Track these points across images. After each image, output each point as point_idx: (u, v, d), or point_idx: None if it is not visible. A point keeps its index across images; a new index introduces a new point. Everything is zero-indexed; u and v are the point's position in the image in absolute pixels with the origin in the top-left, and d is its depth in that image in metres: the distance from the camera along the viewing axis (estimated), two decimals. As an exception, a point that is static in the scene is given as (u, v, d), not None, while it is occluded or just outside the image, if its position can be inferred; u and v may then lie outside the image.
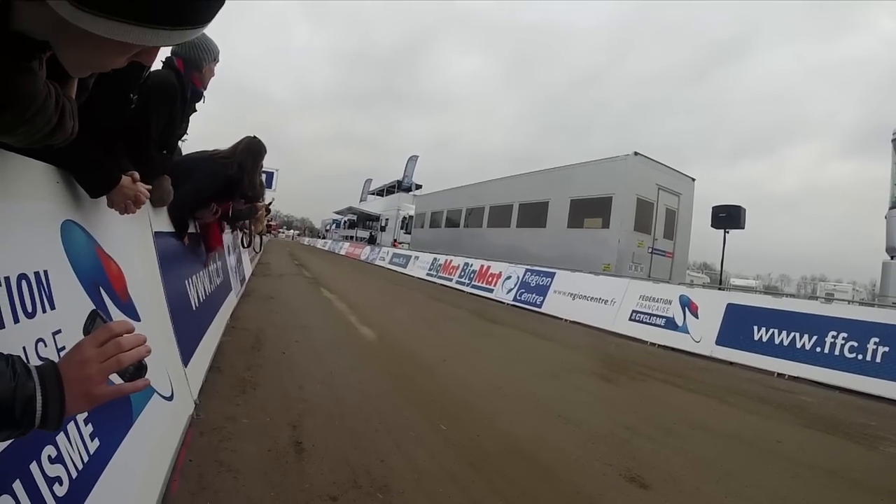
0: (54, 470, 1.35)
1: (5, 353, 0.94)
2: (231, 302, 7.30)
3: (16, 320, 1.33)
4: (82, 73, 1.23)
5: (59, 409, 0.96)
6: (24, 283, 1.41)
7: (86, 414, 1.63)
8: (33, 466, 1.26)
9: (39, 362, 1.41)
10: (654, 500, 3.08)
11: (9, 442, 1.19)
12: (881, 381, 6.56)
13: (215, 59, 3.34)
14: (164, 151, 2.69)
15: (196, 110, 3.34)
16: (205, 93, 3.36)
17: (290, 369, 4.92)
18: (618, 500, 3.03)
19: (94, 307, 1.63)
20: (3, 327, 1.27)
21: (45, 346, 1.47)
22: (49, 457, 1.34)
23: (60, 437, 1.43)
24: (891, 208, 10.04)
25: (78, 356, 1.04)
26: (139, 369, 1.14)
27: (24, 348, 1.35)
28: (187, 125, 3.25)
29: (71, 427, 1.51)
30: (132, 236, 2.70)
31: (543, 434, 4.00)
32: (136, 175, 2.19)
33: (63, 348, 1.57)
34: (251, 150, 4.57)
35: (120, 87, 2.06)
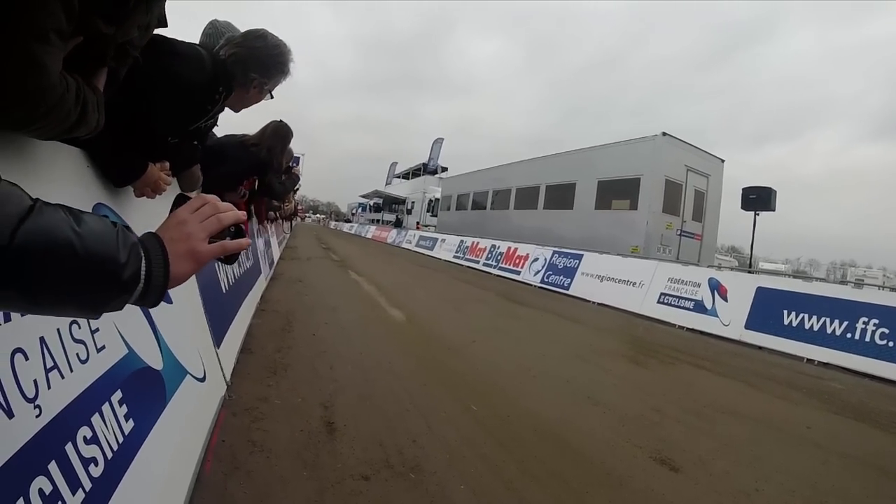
0: (90, 451, 1.35)
1: (41, 331, 0.92)
2: (261, 285, 7.37)
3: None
4: None
5: (164, 264, 0.93)
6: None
7: (120, 395, 1.64)
8: (69, 447, 1.26)
9: (75, 343, 1.43)
10: (684, 483, 3.05)
11: (46, 421, 1.19)
12: (912, 370, 6.43)
13: None
14: (195, 142, 2.68)
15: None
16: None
17: (321, 351, 4.95)
18: (648, 482, 3.00)
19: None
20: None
21: (80, 327, 1.48)
22: (84, 437, 1.34)
23: (95, 419, 1.44)
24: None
25: (174, 220, 1.03)
26: (239, 231, 1.14)
27: (58, 330, 1.35)
28: (216, 119, 3.26)
29: (105, 408, 1.52)
30: (163, 219, 2.70)
31: (572, 415, 3.99)
32: (166, 165, 2.19)
33: (97, 330, 1.59)
34: (279, 133, 4.61)
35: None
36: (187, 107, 2.19)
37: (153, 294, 0.92)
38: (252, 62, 2.38)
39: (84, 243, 0.78)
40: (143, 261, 0.89)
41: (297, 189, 12.48)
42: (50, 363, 1.27)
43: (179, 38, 2.09)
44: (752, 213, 12.95)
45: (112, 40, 1.24)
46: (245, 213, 1.07)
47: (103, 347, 1.60)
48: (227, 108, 2.61)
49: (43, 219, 0.75)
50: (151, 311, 2.12)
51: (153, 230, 0.99)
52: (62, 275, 0.77)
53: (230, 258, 1.16)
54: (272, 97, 2.68)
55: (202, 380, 2.75)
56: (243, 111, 2.74)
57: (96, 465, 1.36)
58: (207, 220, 1.04)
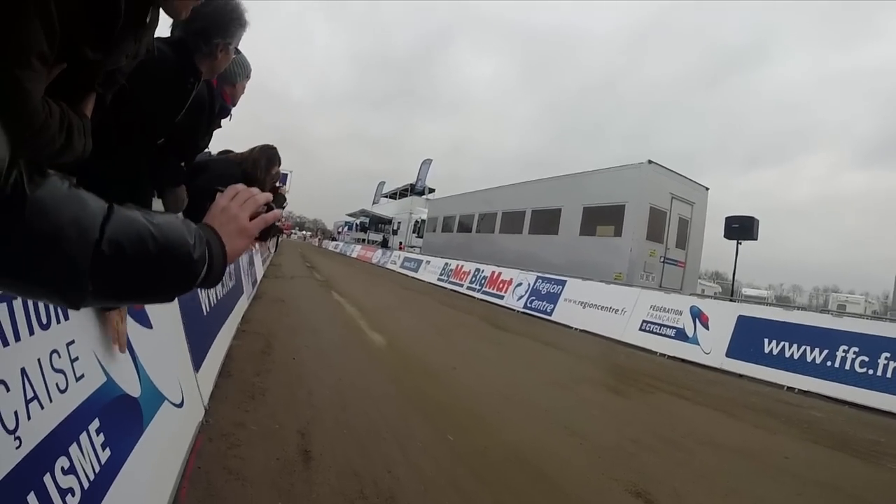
0: (67, 481, 1.37)
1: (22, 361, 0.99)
2: (242, 305, 7.34)
3: (31, 332, 1.37)
4: (187, 10, 1.38)
5: (220, 247, 1.08)
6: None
7: (98, 423, 1.66)
8: (47, 478, 1.28)
9: (55, 373, 1.45)
10: (659, 516, 3.08)
11: (26, 452, 1.22)
12: (892, 397, 6.54)
13: (248, 77, 3.35)
14: (183, 163, 2.70)
15: (221, 126, 3.34)
16: (233, 110, 3.37)
17: (300, 375, 4.95)
18: (623, 515, 3.04)
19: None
20: (19, 339, 1.30)
21: (59, 356, 1.50)
22: (62, 468, 1.36)
23: (73, 448, 1.46)
24: (906, 221, 9.93)
25: (217, 208, 1.18)
26: (269, 208, 1.28)
27: (38, 360, 1.38)
28: (210, 139, 3.27)
29: (83, 437, 1.54)
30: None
31: (549, 445, 4.01)
32: (124, 311, 2.08)
33: (77, 359, 1.60)
34: (266, 153, 4.62)
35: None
36: (165, 106, 2.20)
37: (216, 271, 1.07)
38: (211, 28, 2.36)
39: (161, 231, 0.90)
40: (207, 243, 1.03)
41: (284, 206, 12.48)
42: (30, 394, 1.30)
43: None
44: (735, 241, 13.11)
45: (99, 67, 1.27)
46: (270, 194, 1.26)
47: (82, 376, 1.62)
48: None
49: (123, 214, 0.86)
50: (130, 336, 2.14)
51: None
52: (149, 261, 0.88)
53: (268, 231, 1.29)
54: (238, 52, 2.71)
55: (180, 405, 2.76)
56: (236, 125, 2.76)
57: (73, 495, 1.38)
58: (245, 202, 1.20)
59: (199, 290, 3.54)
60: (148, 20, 1.34)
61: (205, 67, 2.42)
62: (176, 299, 3.17)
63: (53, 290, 0.83)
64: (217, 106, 3.11)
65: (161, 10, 1.42)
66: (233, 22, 2.45)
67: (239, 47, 2.66)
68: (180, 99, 2.28)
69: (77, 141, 1.25)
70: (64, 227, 0.76)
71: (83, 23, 1.05)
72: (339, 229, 73.97)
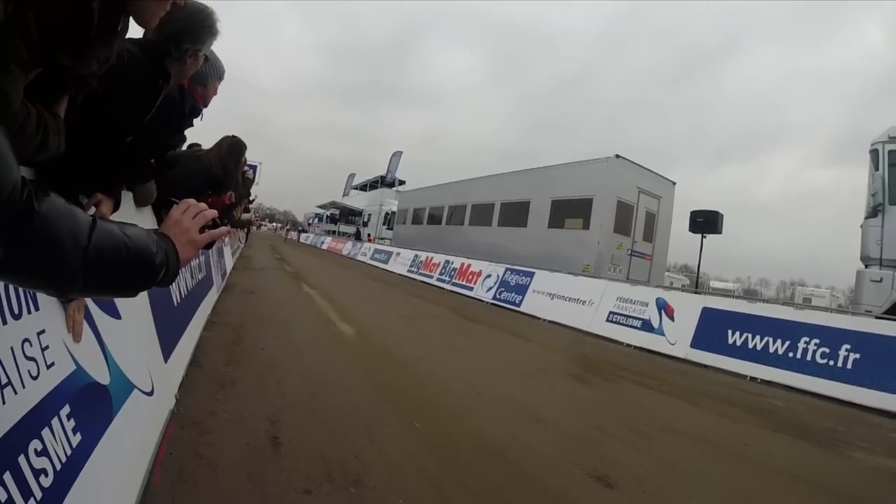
0: (40, 462, 1.42)
1: None
2: (212, 297, 7.33)
3: (3, 322, 1.41)
4: (156, 20, 1.48)
5: (174, 254, 1.28)
6: (10, 286, 1.48)
7: (68, 409, 1.70)
8: (21, 459, 1.33)
9: (27, 361, 1.50)
10: (618, 499, 3.19)
11: (0, 435, 1.27)
12: (851, 387, 6.73)
13: (220, 78, 3.35)
14: (153, 160, 2.72)
15: (193, 125, 3.35)
16: (204, 110, 3.37)
17: (270, 365, 4.98)
18: (583, 499, 3.14)
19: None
20: (-7, 328, 1.35)
21: (31, 345, 1.54)
22: (35, 450, 1.41)
23: (45, 432, 1.50)
24: (866, 218, 10.21)
25: (171, 220, 1.38)
26: (215, 224, 1.52)
27: (11, 348, 1.42)
28: (182, 139, 3.27)
29: (55, 422, 1.58)
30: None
31: (515, 433, 4.11)
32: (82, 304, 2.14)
33: (47, 347, 1.65)
34: (233, 151, 4.64)
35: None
36: (134, 106, 2.23)
37: (171, 275, 1.28)
38: (182, 34, 2.37)
39: (132, 242, 1.10)
40: (165, 251, 1.23)
41: (253, 199, 12.40)
42: (4, 380, 1.34)
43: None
44: (700, 235, 13.35)
45: (72, 71, 1.33)
46: (216, 211, 1.43)
47: (53, 364, 1.67)
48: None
49: (104, 226, 1.04)
50: (99, 327, 2.18)
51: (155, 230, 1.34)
52: (121, 264, 1.08)
53: (212, 243, 1.53)
54: (207, 59, 2.76)
55: (150, 394, 2.79)
56: (209, 121, 2.79)
57: (46, 475, 1.43)
58: (196, 217, 1.41)
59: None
60: (119, 28, 1.39)
61: (174, 71, 2.45)
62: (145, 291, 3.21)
63: (51, 284, 1.02)
64: (188, 106, 3.13)
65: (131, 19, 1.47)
66: (204, 30, 2.48)
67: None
68: (149, 100, 2.30)
69: (52, 141, 1.32)
70: (62, 235, 0.93)
71: (59, 31, 1.12)
72: (310, 221, 73.39)
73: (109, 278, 1.11)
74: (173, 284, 4.32)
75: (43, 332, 1.64)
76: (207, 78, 3.23)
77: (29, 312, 1.58)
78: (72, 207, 0.97)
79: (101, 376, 2.11)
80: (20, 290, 1.54)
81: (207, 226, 1.46)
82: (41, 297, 1.68)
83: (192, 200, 1.46)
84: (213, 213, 1.47)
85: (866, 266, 10.10)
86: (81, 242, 0.96)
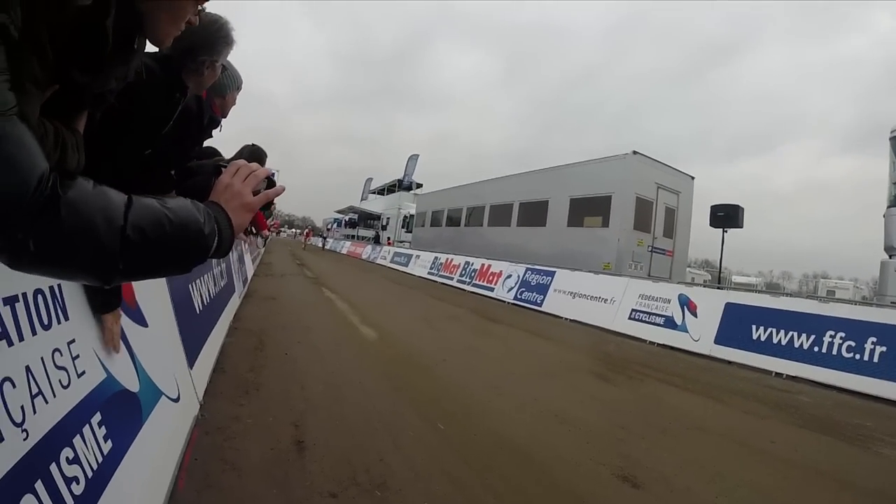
0: (72, 470, 1.45)
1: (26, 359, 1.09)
2: (234, 303, 7.39)
3: (34, 332, 1.44)
4: (170, 39, 1.41)
5: (227, 222, 1.21)
6: (39, 297, 1.51)
7: (99, 417, 1.73)
8: (53, 467, 1.36)
9: (57, 370, 1.53)
10: (644, 500, 3.15)
11: (33, 444, 1.29)
12: (878, 381, 6.61)
13: (238, 88, 3.37)
14: (172, 171, 2.74)
15: (212, 136, 3.37)
16: (223, 121, 3.38)
17: (293, 370, 5.02)
18: (610, 500, 3.11)
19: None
20: (23, 339, 1.38)
21: (61, 354, 1.57)
22: (67, 458, 1.44)
23: (77, 440, 1.53)
24: (889, 207, 10.03)
25: (220, 186, 1.30)
26: (271, 183, 1.43)
27: (41, 358, 1.45)
28: (200, 150, 3.28)
29: (86, 430, 1.61)
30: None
31: (539, 433, 4.09)
32: (119, 312, 2.16)
33: (77, 356, 1.68)
34: (253, 158, 4.68)
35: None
36: (152, 120, 2.25)
37: (225, 243, 1.20)
38: (198, 46, 2.39)
39: (174, 213, 1.04)
40: (215, 219, 1.16)
41: (273, 209, 12.49)
42: (35, 389, 1.37)
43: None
44: (721, 229, 13.21)
45: (89, 88, 1.35)
46: (268, 169, 1.39)
47: (83, 373, 1.70)
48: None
49: (141, 203, 0.99)
50: (128, 335, 2.21)
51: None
52: (167, 239, 1.02)
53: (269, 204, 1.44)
54: (225, 69, 2.78)
55: (176, 400, 2.83)
56: (226, 131, 2.82)
57: (78, 483, 1.46)
58: (247, 178, 1.32)
59: (190, 287, 3.62)
60: (136, 46, 1.41)
61: (191, 83, 2.47)
62: (169, 299, 3.25)
63: (90, 272, 0.98)
64: (206, 117, 3.15)
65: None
66: (219, 41, 2.50)
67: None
68: (167, 113, 2.33)
69: (71, 156, 1.34)
70: (94, 218, 0.90)
71: (73, 49, 1.14)
72: (329, 226, 73.76)
73: (155, 256, 1.04)
74: (195, 292, 4.37)
75: (73, 341, 1.68)
76: (225, 88, 3.24)
77: (59, 322, 1.61)
78: (103, 188, 0.95)
79: (131, 384, 2.14)
80: (49, 301, 1.57)
81: (262, 185, 1.37)
82: (71, 306, 1.71)
83: (242, 161, 1.37)
84: (266, 171, 1.38)
85: (890, 256, 9.90)
86: (117, 223, 0.93)
